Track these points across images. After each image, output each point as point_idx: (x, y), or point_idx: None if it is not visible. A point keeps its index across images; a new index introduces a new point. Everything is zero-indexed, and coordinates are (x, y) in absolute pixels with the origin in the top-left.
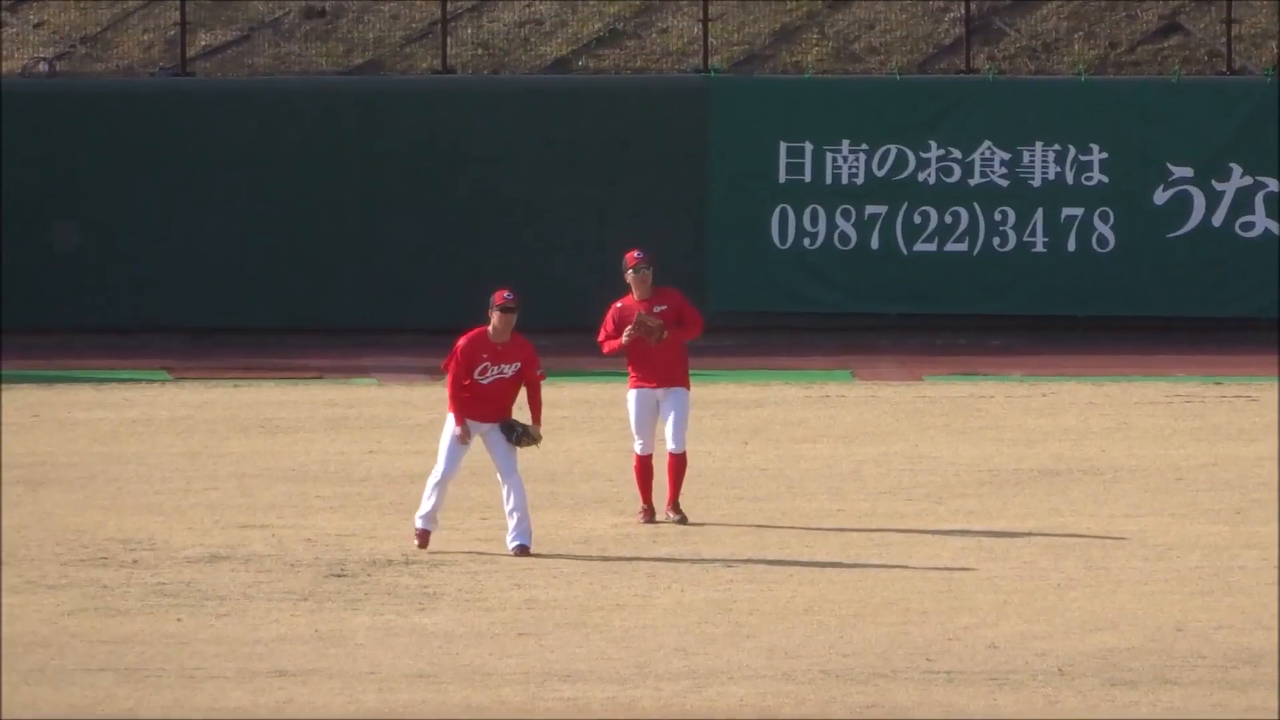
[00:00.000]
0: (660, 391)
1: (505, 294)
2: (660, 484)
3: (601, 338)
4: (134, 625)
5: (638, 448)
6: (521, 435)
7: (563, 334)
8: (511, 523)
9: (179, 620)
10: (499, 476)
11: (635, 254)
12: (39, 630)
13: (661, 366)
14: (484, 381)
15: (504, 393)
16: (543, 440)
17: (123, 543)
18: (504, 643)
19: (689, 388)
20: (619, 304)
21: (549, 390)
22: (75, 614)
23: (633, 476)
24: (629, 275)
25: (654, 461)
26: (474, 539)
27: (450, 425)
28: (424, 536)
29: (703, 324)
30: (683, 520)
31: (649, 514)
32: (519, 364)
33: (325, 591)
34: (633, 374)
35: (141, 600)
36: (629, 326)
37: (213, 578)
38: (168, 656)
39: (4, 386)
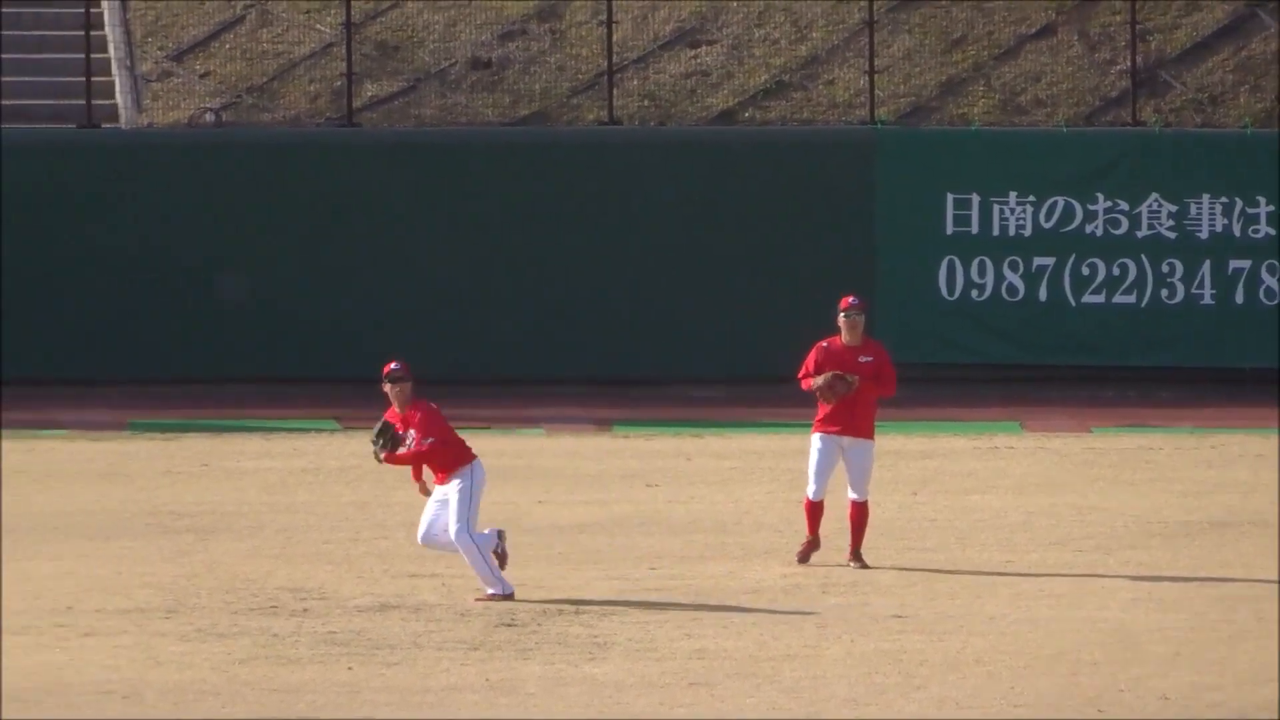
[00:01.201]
0: (845, 440)
1: (392, 365)
2: (828, 530)
3: (801, 374)
4: (305, 674)
5: (810, 491)
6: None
7: (730, 385)
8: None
9: (350, 669)
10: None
11: (850, 299)
12: (210, 679)
13: (849, 415)
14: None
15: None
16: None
17: (293, 591)
18: (675, 693)
19: (873, 439)
20: (824, 343)
21: (720, 441)
22: (246, 662)
23: (803, 521)
24: (840, 318)
25: (824, 507)
26: (644, 588)
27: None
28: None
29: (896, 386)
30: (863, 567)
31: (811, 546)
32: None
33: (496, 641)
34: (819, 418)
35: (312, 649)
36: (821, 381)
37: (383, 626)
38: (339, 705)
39: (175, 435)
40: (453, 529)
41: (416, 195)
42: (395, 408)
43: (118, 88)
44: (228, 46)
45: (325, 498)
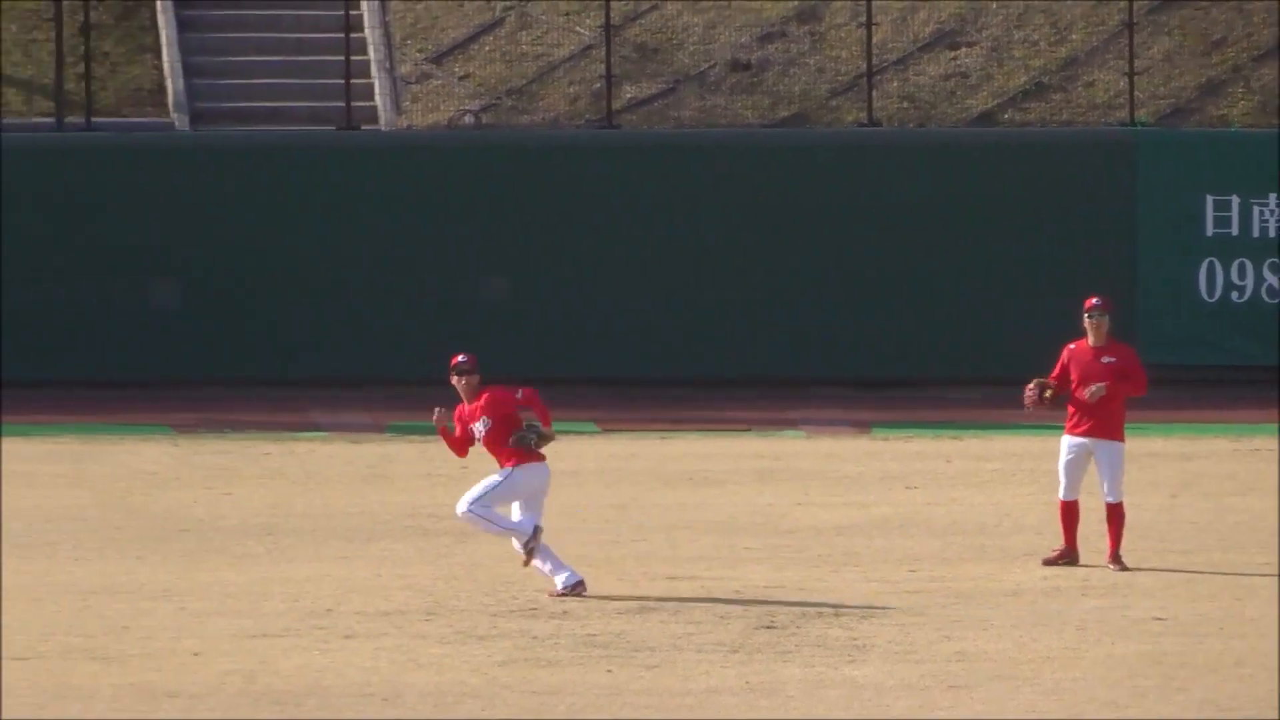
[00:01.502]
0: (1091, 442)
1: (460, 358)
2: (1089, 532)
3: (1050, 378)
4: (565, 676)
5: (1061, 492)
6: (538, 436)
7: (989, 387)
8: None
9: (609, 671)
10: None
11: (1093, 300)
12: (469, 681)
13: (1098, 417)
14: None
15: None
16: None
17: (552, 593)
18: (934, 695)
19: (1123, 440)
20: (1071, 345)
21: (980, 443)
22: (506, 665)
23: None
24: (1085, 320)
25: (1079, 509)
26: (903, 591)
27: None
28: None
29: (1146, 385)
30: (1123, 569)
31: (1063, 555)
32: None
33: (755, 643)
34: (1069, 420)
35: (572, 651)
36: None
37: (642, 629)
38: (598, 707)
39: (434, 438)
40: (462, 502)
41: (675, 197)
42: (464, 400)
43: (377, 90)
44: (487, 49)
45: (584, 500)
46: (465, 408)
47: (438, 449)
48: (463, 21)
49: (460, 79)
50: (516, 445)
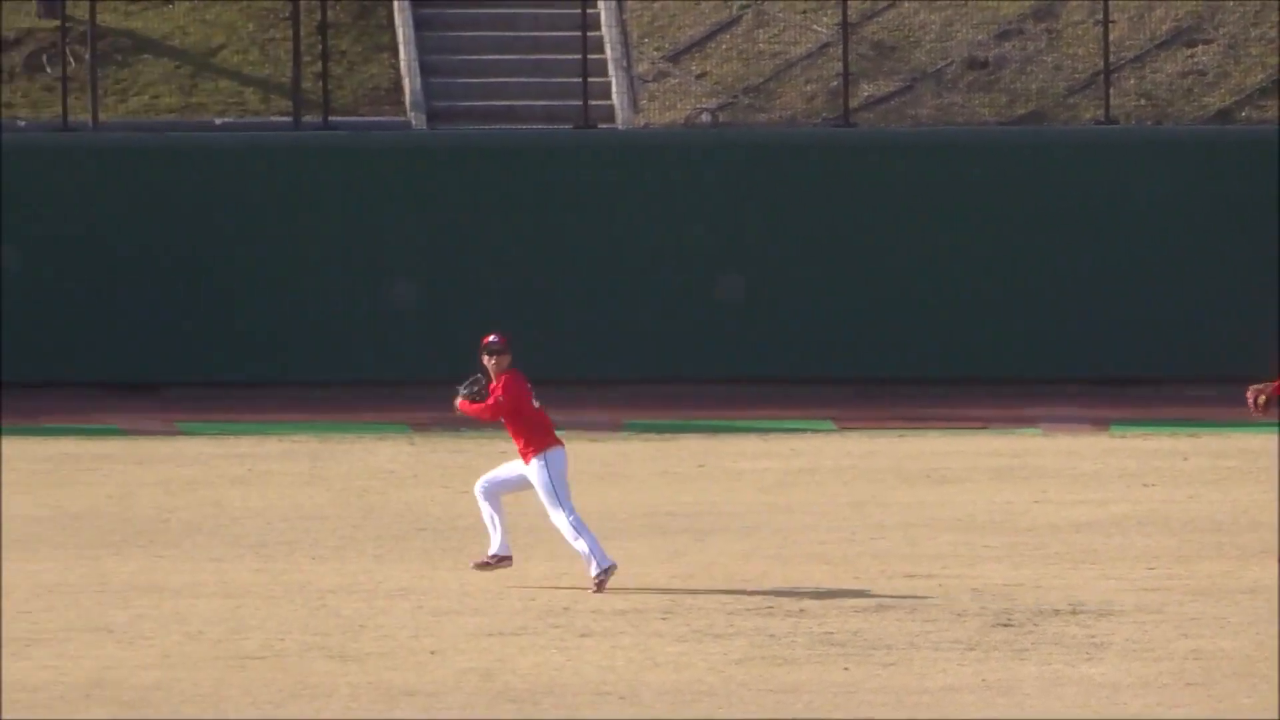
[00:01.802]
0: None
1: (490, 338)
2: None
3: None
4: (801, 674)
5: None
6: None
7: (1224, 384)
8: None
9: (846, 669)
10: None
11: None
12: (706, 679)
13: None
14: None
15: None
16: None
17: (789, 592)
18: (1172, 693)
19: None
20: None
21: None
22: (743, 663)
23: None
24: None
25: None
26: (1140, 588)
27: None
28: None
29: None
30: None
31: None
32: None
33: (992, 641)
34: None
35: (809, 649)
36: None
37: (879, 627)
38: (835, 706)
39: (671, 436)
40: (560, 519)
41: (912, 195)
42: (493, 377)
43: (614, 88)
44: (724, 47)
45: (821, 498)
46: (494, 385)
47: (675, 445)
48: (699, 20)
49: (697, 77)
50: (466, 396)
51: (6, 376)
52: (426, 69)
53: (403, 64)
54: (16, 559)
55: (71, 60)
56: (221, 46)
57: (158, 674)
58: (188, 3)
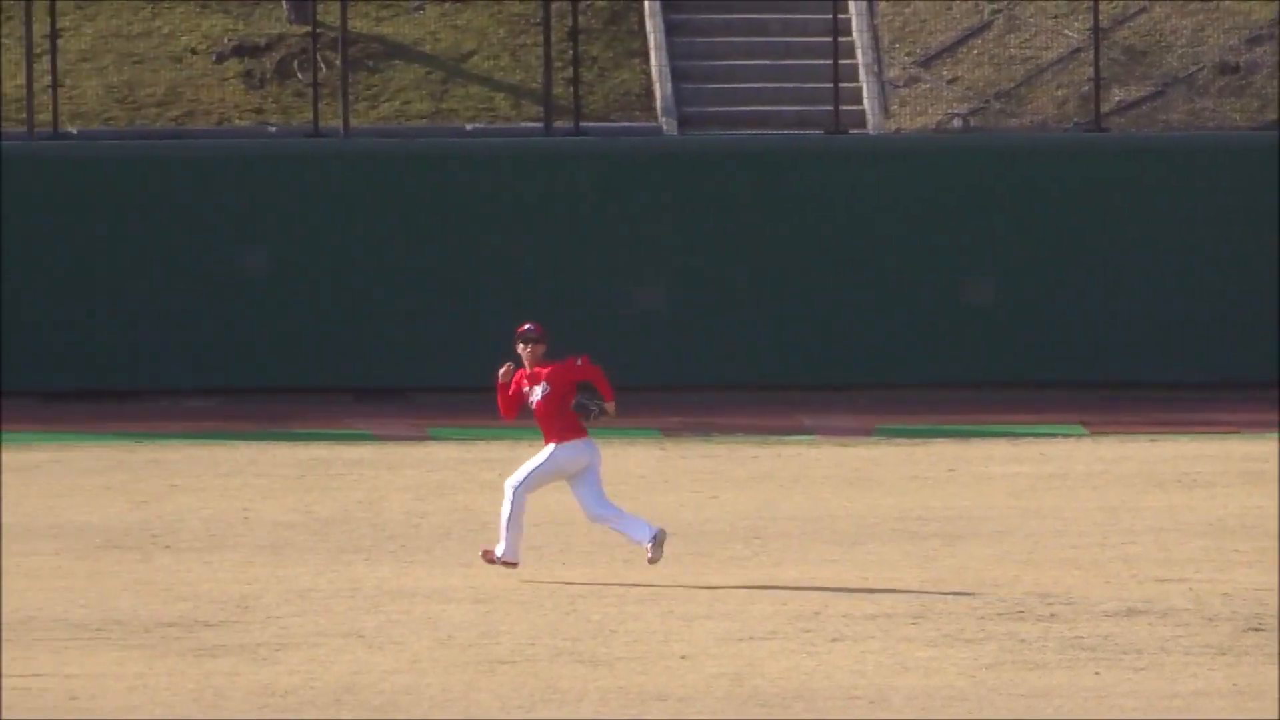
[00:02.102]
0: None
1: (527, 326)
2: None
3: None
4: (1052, 679)
5: None
6: (598, 409)
7: None
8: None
9: (1096, 674)
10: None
11: None
12: (956, 684)
13: None
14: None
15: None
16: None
17: (1040, 596)
18: None
19: None
20: None
21: None
22: (993, 667)
23: None
24: None
25: None
26: None
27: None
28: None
29: None
30: None
31: None
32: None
33: (1243, 646)
34: None
35: (1059, 654)
36: None
37: (1130, 631)
38: (1086, 710)
39: (922, 441)
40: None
41: (1164, 199)
42: (526, 367)
43: (865, 93)
44: (975, 52)
45: (1072, 503)
46: (525, 373)
47: (926, 450)
48: (951, 24)
49: (948, 82)
50: (576, 410)
51: (259, 382)
52: (677, 74)
53: (654, 69)
54: (266, 564)
55: (323, 66)
56: (472, 52)
57: (408, 679)
58: (439, 8)
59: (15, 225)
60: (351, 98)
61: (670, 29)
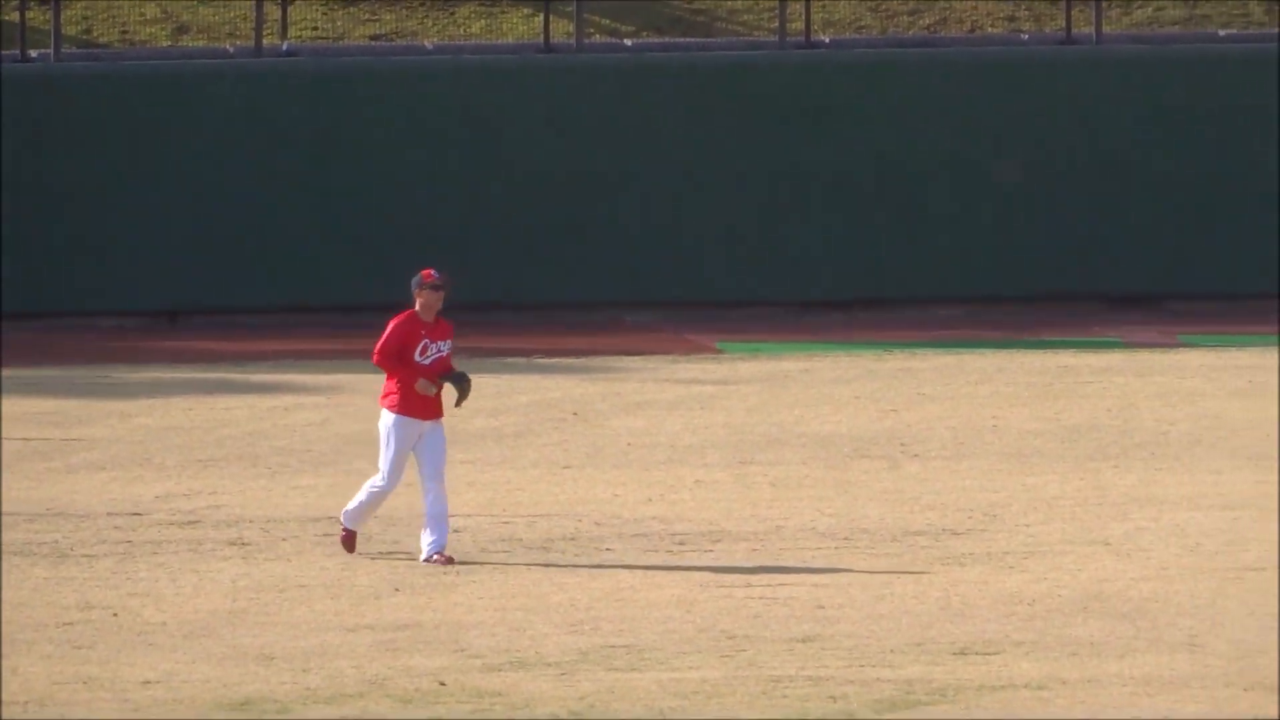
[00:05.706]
0: None
1: (432, 272)
2: None
3: None
4: None
5: None
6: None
7: None
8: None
9: None
10: (424, 480)
11: None
12: None
13: None
14: (426, 361)
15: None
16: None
17: None
18: None
19: None
20: None
21: None
22: None
23: None
24: None
25: None
26: None
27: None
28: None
29: None
30: None
31: None
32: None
33: None
34: None
35: None
36: None
37: None
38: None
39: None
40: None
41: None
42: (421, 315)
43: None
44: None
45: None
46: (424, 325)
47: None
48: None
49: None
50: (452, 382)
51: (1013, 292)
52: None
53: None
54: (1014, 471)
55: None
56: None
57: (1154, 585)
58: None
59: None
60: (1105, 4)
61: None
